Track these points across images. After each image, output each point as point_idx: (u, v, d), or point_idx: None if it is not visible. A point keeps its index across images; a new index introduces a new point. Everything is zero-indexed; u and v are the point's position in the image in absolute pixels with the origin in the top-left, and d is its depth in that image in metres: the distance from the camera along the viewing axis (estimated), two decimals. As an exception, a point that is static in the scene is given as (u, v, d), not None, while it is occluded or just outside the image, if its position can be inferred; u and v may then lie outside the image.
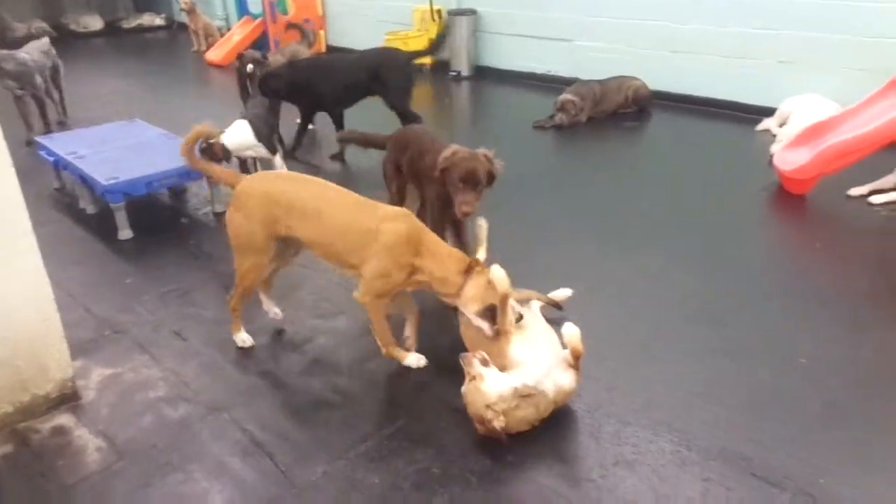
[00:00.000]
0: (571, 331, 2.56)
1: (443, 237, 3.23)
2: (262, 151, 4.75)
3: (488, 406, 2.42)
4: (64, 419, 2.74)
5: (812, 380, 2.83)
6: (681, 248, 3.98)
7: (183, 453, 2.54)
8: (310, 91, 5.42)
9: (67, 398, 2.82)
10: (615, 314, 3.34)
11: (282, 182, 3.03)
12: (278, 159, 4.93)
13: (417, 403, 2.78)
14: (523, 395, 2.46)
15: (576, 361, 2.58)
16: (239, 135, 4.61)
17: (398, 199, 3.79)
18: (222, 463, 2.49)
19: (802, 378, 2.85)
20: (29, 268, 2.64)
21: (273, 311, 3.35)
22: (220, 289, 3.69)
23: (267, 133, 4.80)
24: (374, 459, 2.48)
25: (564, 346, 2.59)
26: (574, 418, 2.65)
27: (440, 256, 2.76)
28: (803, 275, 3.77)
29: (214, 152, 4.36)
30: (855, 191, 4.58)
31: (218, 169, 3.17)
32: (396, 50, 5.91)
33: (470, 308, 2.73)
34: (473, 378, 2.49)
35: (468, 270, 2.71)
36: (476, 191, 3.22)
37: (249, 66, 5.35)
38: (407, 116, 5.56)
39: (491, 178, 3.27)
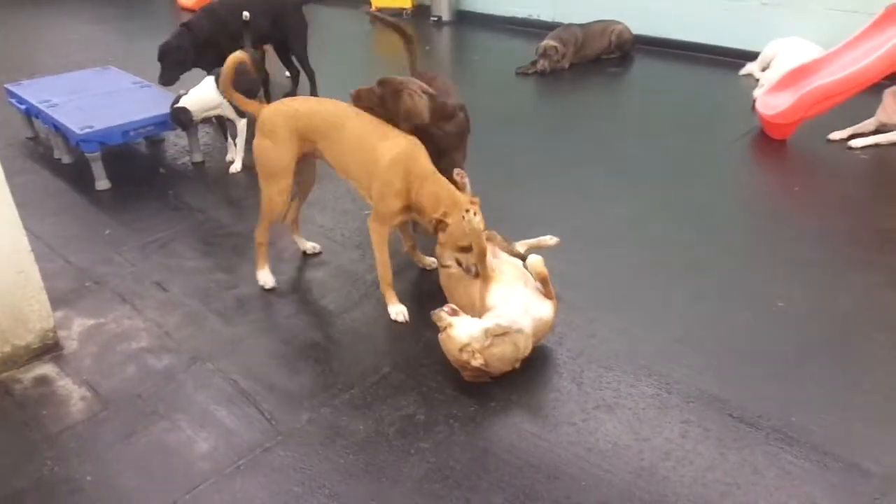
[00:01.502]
0: (533, 259, 2.64)
1: None
2: (228, 112, 4.39)
3: (461, 349, 2.47)
4: (47, 369, 2.74)
5: (788, 323, 2.89)
6: (661, 193, 3.99)
7: (167, 403, 2.55)
8: (215, 47, 4.91)
9: (49, 348, 2.81)
10: (596, 261, 3.36)
11: (305, 102, 3.10)
12: (242, 124, 4.45)
13: (402, 352, 2.80)
14: (497, 335, 2.50)
15: (545, 287, 2.64)
16: (202, 93, 4.30)
17: None
18: (207, 411, 2.51)
19: (779, 321, 2.90)
20: (3, 219, 2.60)
21: (310, 245, 3.48)
22: (201, 239, 3.66)
23: (242, 91, 4.49)
24: (359, 407, 2.51)
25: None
26: (556, 364, 2.69)
27: (434, 188, 2.78)
28: (782, 219, 3.81)
29: (179, 119, 4.19)
30: (835, 135, 4.60)
31: (243, 100, 3.11)
32: None
33: (444, 247, 2.80)
34: (444, 328, 2.54)
35: (437, 225, 2.73)
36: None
37: (245, 14, 4.84)
38: (306, 68, 5.52)
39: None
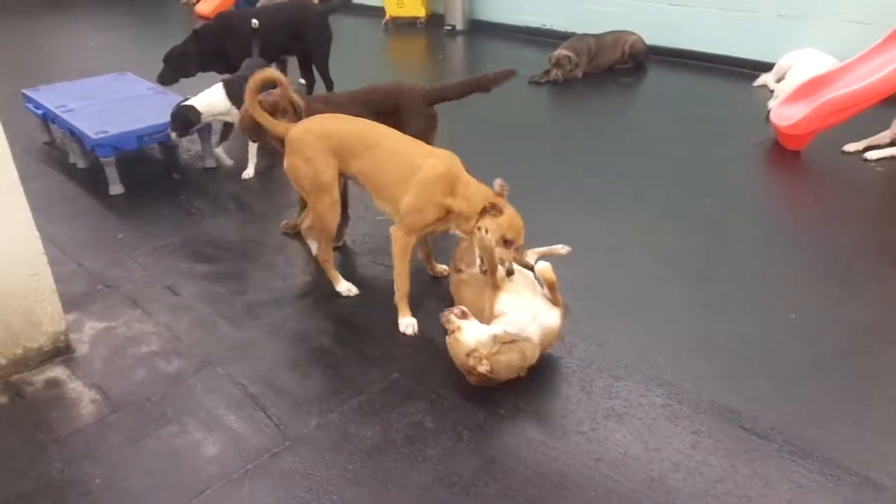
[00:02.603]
0: (542, 265, 2.65)
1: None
2: (235, 117, 4.18)
3: (468, 354, 2.46)
4: (58, 372, 2.75)
5: (800, 334, 2.86)
6: (675, 203, 3.97)
7: (176, 406, 2.56)
8: (221, 56, 5.05)
9: (61, 351, 2.83)
10: (607, 270, 3.34)
11: (333, 121, 3.04)
12: None
13: (411, 358, 2.80)
14: (505, 342, 2.49)
15: (552, 294, 2.64)
16: (210, 97, 4.29)
17: None
18: (216, 416, 2.51)
19: (791, 332, 2.87)
20: (17, 222, 2.62)
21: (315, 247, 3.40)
22: (212, 244, 3.68)
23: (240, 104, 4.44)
24: (368, 413, 2.51)
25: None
26: (566, 373, 2.68)
27: (470, 195, 2.80)
28: (796, 230, 3.78)
29: (186, 117, 4.18)
30: (850, 146, 4.56)
31: (272, 121, 3.06)
32: (312, 5, 5.68)
33: (464, 253, 2.93)
34: (453, 332, 2.53)
35: (483, 210, 2.75)
36: None
37: (254, 22, 4.90)
38: (326, 79, 5.48)
39: None
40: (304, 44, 5.32)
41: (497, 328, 2.54)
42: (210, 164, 4.60)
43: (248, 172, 4.47)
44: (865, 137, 4.57)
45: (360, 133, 2.97)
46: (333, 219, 3.09)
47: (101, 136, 4.16)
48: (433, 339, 2.89)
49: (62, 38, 8.56)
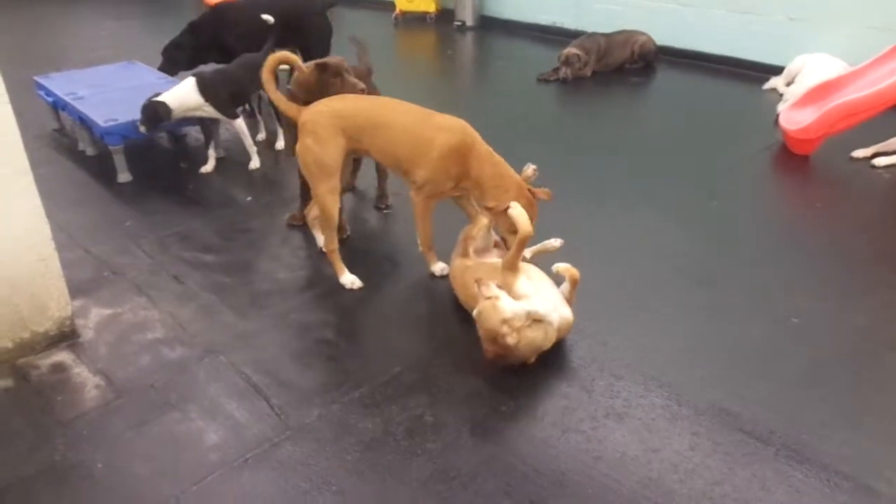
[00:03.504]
0: (564, 264, 2.77)
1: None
2: (212, 112, 4.28)
3: (504, 321, 2.50)
4: (63, 356, 2.78)
5: (802, 338, 2.86)
6: (680, 204, 3.97)
7: (180, 393, 2.58)
8: (217, 46, 5.01)
9: (66, 336, 2.85)
10: (611, 270, 3.35)
11: (346, 101, 3.11)
12: (239, 123, 4.39)
13: (414, 352, 2.81)
14: (535, 319, 2.56)
15: (573, 287, 2.74)
16: (181, 92, 4.19)
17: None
18: (218, 404, 2.53)
19: (793, 336, 2.87)
20: (27, 208, 2.65)
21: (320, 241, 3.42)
22: (218, 234, 3.70)
23: (226, 94, 4.28)
24: (369, 405, 2.52)
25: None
26: (567, 371, 2.69)
27: (496, 169, 2.95)
28: (801, 235, 3.77)
29: (156, 112, 4.08)
30: (859, 153, 4.55)
31: (283, 102, 3.13)
32: None
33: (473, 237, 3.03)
34: (489, 298, 2.56)
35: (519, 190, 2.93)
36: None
37: (269, 18, 4.75)
38: None
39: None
40: (302, 38, 5.20)
41: (529, 305, 2.58)
42: (218, 153, 4.61)
43: (255, 163, 4.48)
44: (874, 143, 4.55)
45: (368, 111, 3.05)
46: (334, 204, 3.12)
47: (111, 123, 4.19)
48: (436, 332, 2.90)
49: (74, 27, 8.59)
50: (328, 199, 3.09)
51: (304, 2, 5.36)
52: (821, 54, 5.55)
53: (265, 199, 4.15)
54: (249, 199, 4.10)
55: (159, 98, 4.13)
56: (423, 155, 2.95)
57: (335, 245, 3.22)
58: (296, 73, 3.25)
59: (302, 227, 3.68)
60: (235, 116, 4.37)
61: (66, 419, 2.46)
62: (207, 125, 4.51)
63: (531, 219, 2.82)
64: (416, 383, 2.63)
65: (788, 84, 5.64)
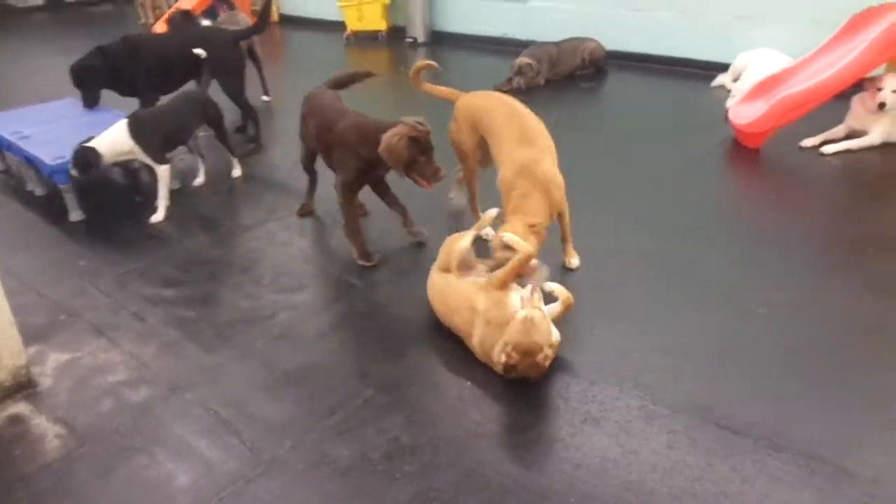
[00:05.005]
0: (559, 286, 2.82)
1: (353, 206, 3.48)
2: (143, 157, 4.10)
3: (551, 345, 2.56)
4: (20, 407, 2.67)
5: (770, 329, 2.89)
6: (639, 204, 4.01)
7: (146, 436, 2.49)
8: (122, 78, 4.85)
9: (23, 386, 2.74)
10: (576, 275, 3.35)
11: (481, 97, 3.50)
12: (163, 170, 4.14)
13: (385, 374, 2.77)
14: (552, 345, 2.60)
15: (565, 311, 2.80)
16: (112, 137, 4.00)
17: (307, 156, 3.87)
18: (187, 443, 2.45)
19: (762, 327, 2.90)
20: (-28, 254, 2.55)
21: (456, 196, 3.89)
22: (178, 267, 3.61)
23: (158, 137, 4.11)
24: (343, 432, 2.47)
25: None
26: (543, 380, 2.67)
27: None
28: (759, 225, 3.83)
29: (86, 158, 3.90)
30: (807, 142, 4.66)
31: (439, 89, 3.64)
32: (221, 29, 5.50)
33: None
34: (537, 309, 2.56)
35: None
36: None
37: (201, 52, 4.69)
38: (243, 106, 5.29)
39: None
40: (215, 70, 4.88)
41: (555, 330, 2.63)
42: (173, 185, 4.52)
43: (158, 216, 4.14)
44: (821, 132, 4.67)
45: (490, 109, 3.35)
46: (472, 184, 3.66)
47: (59, 162, 4.07)
48: (406, 352, 2.86)
49: (16, 63, 8.39)
50: (470, 176, 3.66)
51: (215, 34, 5.23)
52: (764, 50, 5.69)
53: (224, 227, 4.07)
54: (139, 199, 4.06)
55: (90, 144, 3.95)
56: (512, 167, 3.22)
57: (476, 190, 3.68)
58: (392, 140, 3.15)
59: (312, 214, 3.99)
60: (164, 162, 4.15)
61: (26, 472, 2.36)
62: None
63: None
64: (389, 405, 2.58)
65: (735, 80, 5.76)
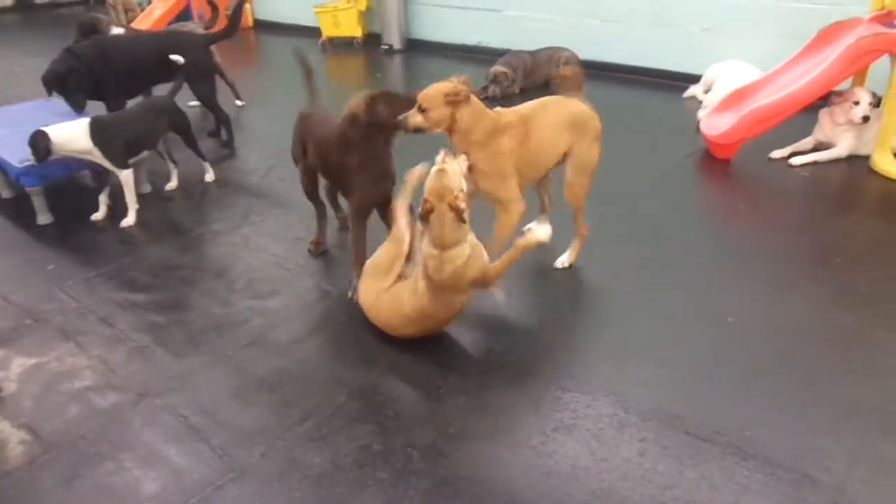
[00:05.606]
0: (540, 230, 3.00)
1: (365, 230, 3.21)
2: (102, 161, 3.98)
3: (462, 190, 2.66)
4: (-17, 414, 2.61)
5: (740, 337, 2.93)
6: (610, 214, 4.04)
7: (113, 443, 2.45)
8: (92, 77, 4.72)
9: (-14, 392, 2.69)
10: (548, 283, 3.37)
11: (524, 108, 3.36)
12: (125, 175, 4.05)
13: (357, 380, 2.76)
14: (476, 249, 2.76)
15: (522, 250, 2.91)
16: (69, 131, 3.89)
17: (308, 181, 3.57)
18: (155, 450, 2.42)
19: (731, 336, 2.95)
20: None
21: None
22: (148, 272, 3.57)
23: (120, 142, 4.00)
24: (315, 439, 2.45)
25: None
26: (514, 387, 2.68)
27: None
28: (729, 235, 3.89)
29: (35, 141, 3.78)
30: (776, 153, 4.75)
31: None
32: (191, 32, 5.47)
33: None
34: (442, 168, 2.67)
35: None
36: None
37: (178, 58, 4.60)
38: (215, 110, 5.26)
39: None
40: (185, 74, 4.76)
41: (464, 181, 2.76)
42: (144, 189, 4.47)
43: (128, 220, 4.10)
44: (790, 144, 4.76)
45: (531, 117, 3.28)
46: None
47: (27, 164, 4.00)
48: (378, 359, 2.85)
49: (-17, 64, 8.24)
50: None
51: (185, 38, 5.17)
52: (735, 62, 5.78)
53: (196, 231, 4.03)
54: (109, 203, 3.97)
55: (43, 128, 3.84)
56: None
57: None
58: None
59: (326, 253, 3.70)
60: (125, 167, 4.05)
61: (-11, 480, 2.31)
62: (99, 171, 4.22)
63: None
64: (361, 412, 2.58)
65: (706, 91, 5.85)
